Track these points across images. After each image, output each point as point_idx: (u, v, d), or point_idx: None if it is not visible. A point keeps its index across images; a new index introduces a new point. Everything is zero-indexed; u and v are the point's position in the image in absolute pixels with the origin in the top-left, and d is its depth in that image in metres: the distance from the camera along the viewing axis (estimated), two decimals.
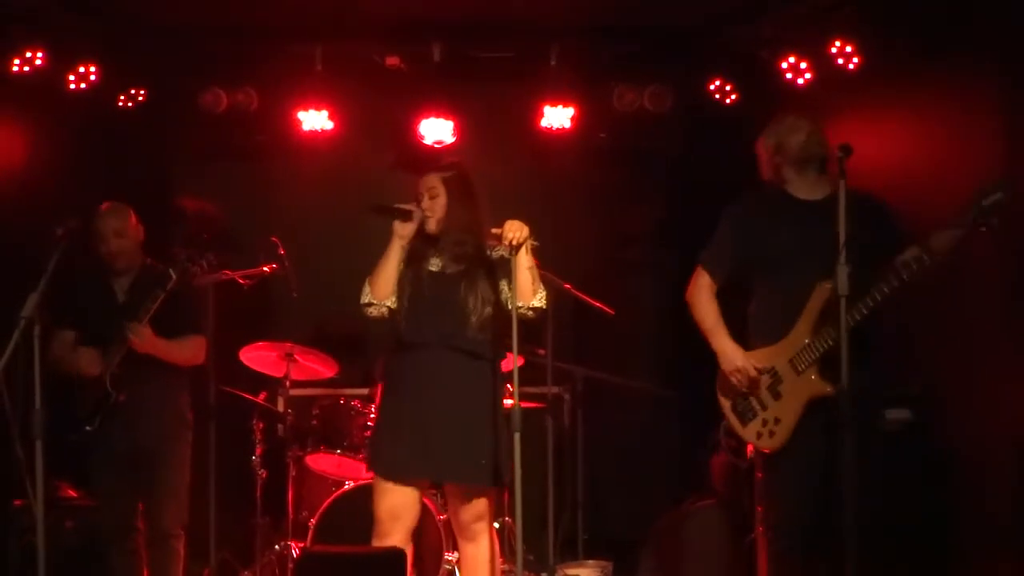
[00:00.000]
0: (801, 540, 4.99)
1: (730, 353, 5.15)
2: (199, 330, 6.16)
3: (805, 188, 5.13)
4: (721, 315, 5.24)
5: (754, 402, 5.12)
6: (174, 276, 5.76)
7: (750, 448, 6.11)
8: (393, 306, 5.34)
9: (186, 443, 6.12)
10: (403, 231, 5.33)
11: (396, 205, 5.35)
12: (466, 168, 5.51)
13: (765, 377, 5.08)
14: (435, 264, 5.35)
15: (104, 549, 6.03)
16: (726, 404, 5.24)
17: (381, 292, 5.33)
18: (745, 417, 5.16)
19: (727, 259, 5.26)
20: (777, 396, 5.07)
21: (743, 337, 5.20)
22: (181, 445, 6.08)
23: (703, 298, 5.28)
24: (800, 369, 4.99)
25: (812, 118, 5.18)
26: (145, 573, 6.02)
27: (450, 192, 5.35)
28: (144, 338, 5.82)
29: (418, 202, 5.36)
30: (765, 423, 5.09)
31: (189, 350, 6.11)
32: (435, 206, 5.34)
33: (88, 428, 5.91)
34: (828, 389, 4.85)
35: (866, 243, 4.88)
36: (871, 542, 4.87)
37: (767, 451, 5.12)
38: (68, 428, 5.93)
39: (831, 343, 4.83)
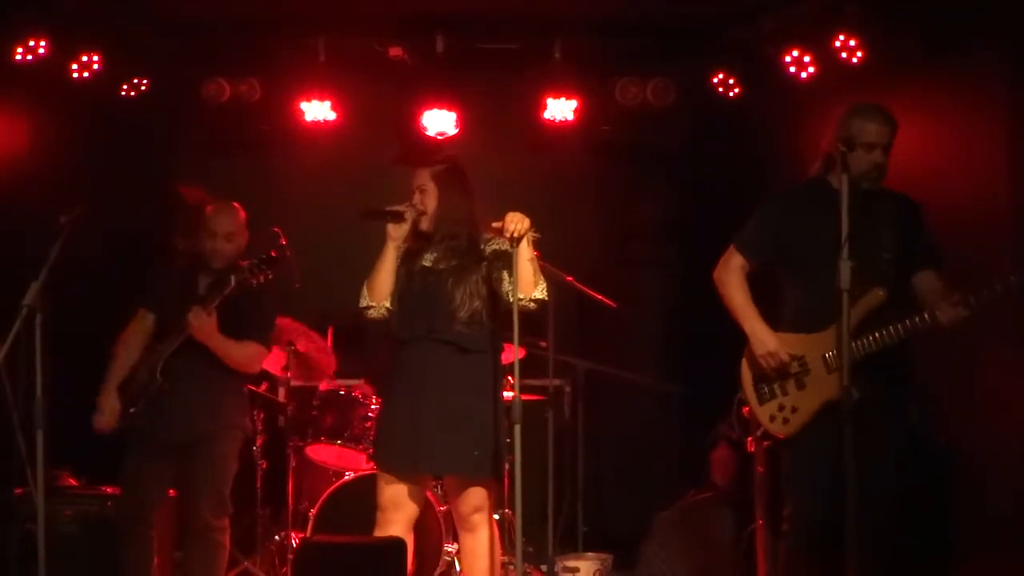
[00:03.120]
0: (817, 533, 4.99)
1: (763, 336, 5.10)
2: (262, 340, 6.07)
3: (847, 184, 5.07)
4: (751, 297, 5.21)
5: (776, 385, 5.10)
6: (232, 283, 5.74)
7: (750, 442, 6.13)
8: (392, 307, 5.35)
9: (231, 440, 6.02)
10: (396, 233, 5.33)
11: (386, 208, 5.34)
12: (460, 163, 5.50)
13: (794, 363, 5.05)
14: (428, 260, 5.36)
15: (116, 537, 6.03)
16: (748, 377, 5.19)
17: (378, 294, 5.34)
18: (764, 396, 5.13)
19: (763, 243, 5.22)
20: (801, 386, 5.04)
21: (772, 320, 5.18)
22: (222, 442, 5.98)
23: (734, 278, 5.22)
24: (831, 368, 4.97)
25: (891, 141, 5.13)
26: (156, 561, 6.03)
27: (440, 187, 5.34)
28: (203, 324, 5.75)
29: (411, 199, 5.36)
30: (781, 408, 5.07)
31: (245, 354, 5.99)
32: (425, 201, 5.34)
33: (132, 410, 5.91)
34: (855, 394, 4.79)
35: (902, 244, 4.94)
36: (882, 541, 4.88)
37: (780, 436, 5.09)
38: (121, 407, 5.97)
39: (869, 351, 4.83)
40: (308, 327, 7.20)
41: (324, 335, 7.44)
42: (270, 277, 5.79)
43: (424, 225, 5.34)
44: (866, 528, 4.64)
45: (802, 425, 5.03)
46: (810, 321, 5.06)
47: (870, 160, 4.97)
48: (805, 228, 5.11)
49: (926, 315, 4.85)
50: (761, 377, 5.15)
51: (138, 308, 6.14)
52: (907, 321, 4.87)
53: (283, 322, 6.81)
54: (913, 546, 5.55)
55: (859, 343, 4.87)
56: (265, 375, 7.28)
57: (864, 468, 4.60)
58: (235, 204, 6.13)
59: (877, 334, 4.87)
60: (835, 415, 4.82)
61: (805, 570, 5.06)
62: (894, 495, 4.98)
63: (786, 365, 5.04)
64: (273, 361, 7.05)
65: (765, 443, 5.76)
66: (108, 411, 5.94)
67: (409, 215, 5.32)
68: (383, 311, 5.35)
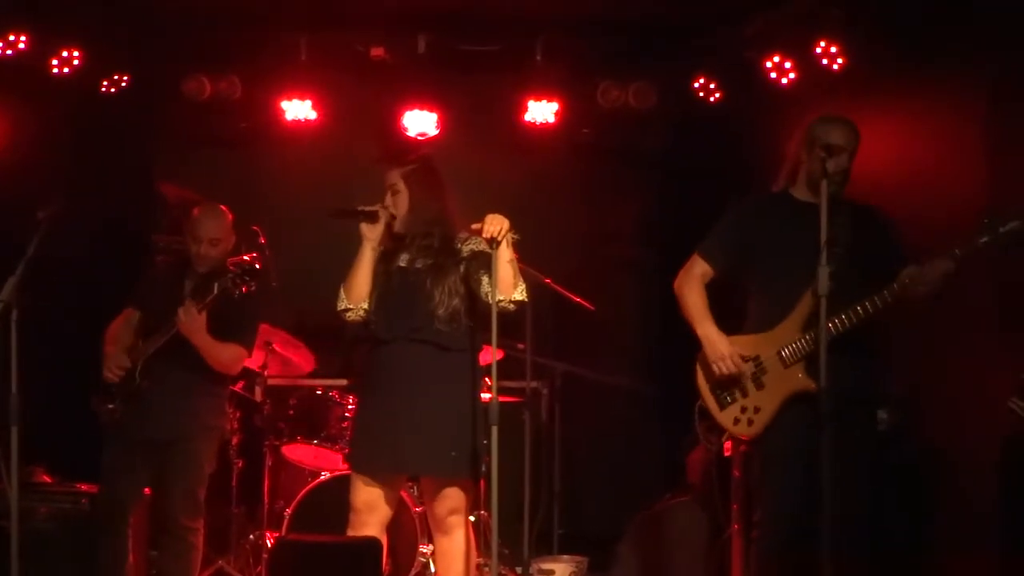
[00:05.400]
0: (788, 538, 5.01)
1: (715, 341, 5.14)
2: (244, 343, 6.05)
3: (810, 193, 5.11)
4: (708, 304, 5.23)
5: (735, 388, 5.13)
6: (215, 290, 5.73)
7: (728, 446, 6.14)
8: (369, 308, 5.34)
9: (207, 441, 6.03)
10: (370, 233, 5.32)
11: (359, 208, 5.33)
12: (432, 162, 5.49)
13: (749, 365, 5.08)
14: (404, 260, 5.35)
15: (92, 534, 6.04)
16: (705, 385, 5.23)
17: (355, 296, 5.33)
18: (723, 401, 5.17)
19: (726, 249, 5.25)
20: (760, 386, 5.08)
21: (739, 331, 5.20)
22: (199, 443, 5.99)
23: (693, 286, 5.26)
24: (788, 363, 5.01)
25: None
26: (131, 559, 6.02)
27: (411, 187, 5.33)
28: (192, 320, 5.74)
29: (383, 200, 5.36)
30: (744, 410, 5.10)
31: (227, 356, 5.98)
32: (397, 202, 5.33)
33: (110, 407, 5.91)
34: (812, 386, 4.87)
35: (864, 253, 4.93)
36: (855, 542, 4.89)
37: (745, 437, 5.14)
38: (97, 404, 5.96)
39: (833, 335, 4.83)
40: (286, 332, 7.19)
41: (302, 335, 7.42)
42: (253, 288, 5.76)
43: (396, 226, 5.34)
44: (837, 532, 4.65)
45: (766, 424, 5.06)
46: (763, 321, 5.11)
47: (836, 164, 4.98)
48: (767, 236, 5.16)
49: (895, 285, 4.84)
50: (718, 382, 5.17)
51: (126, 306, 6.15)
52: (873, 298, 4.88)
53: (262, 327, 6.80)
54: (889, 547, 5.59)
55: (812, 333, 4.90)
56: (242, 372, 7.25)
57: (834, 472, 4.62)
58: (222, 207, 6.10)
59: (838, 318, 4.88)
60: (801, 416, 4.87)
61: (776, 574, 5.08)
62: (864, 498, 5.01)
63: (740, 370, 5.08)
64: (252, 358, 7.03)
65: (742, 447, 5.77)
66: (115, 361, 5.93)
67: (382, 215, 5.31)
68: (361, 313, 5.34)
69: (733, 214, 5.34)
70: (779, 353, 5.04)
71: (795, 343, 5.01)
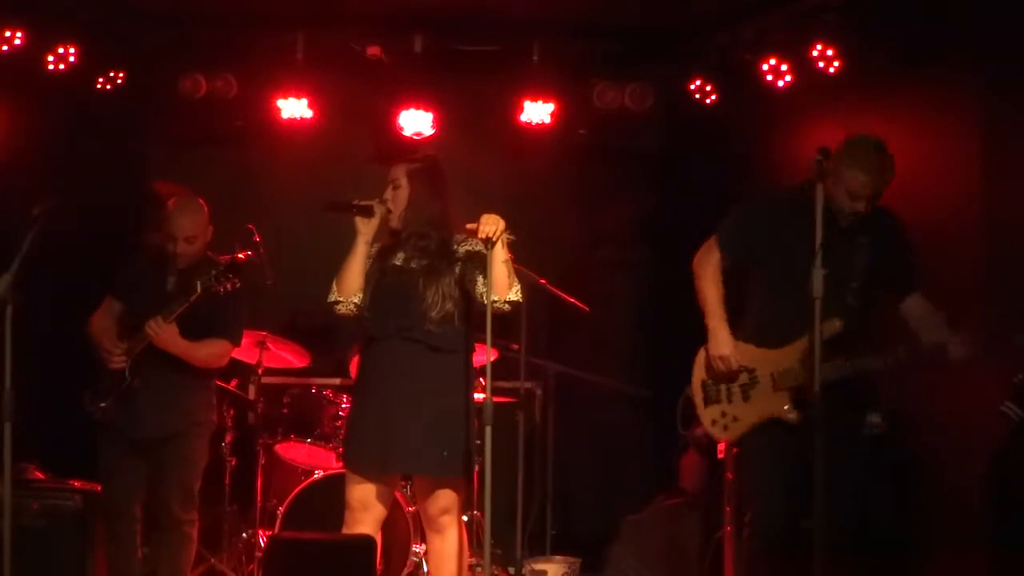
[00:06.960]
0: (777, 538, 5.01)
1: (722, 338, 5.14)
2: (226, 335, 6.06)
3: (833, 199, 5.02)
4: (723, 298, 5.22)
5: (723, 391, 5.14)
6: (199, 289, 5.72)
7: (721, 448, 6.16)
8: (360, 303, 5.34)
9: (199, 437, 6.06)
10: (365, 228, 5.31)
11: (354, 201, 5.32)
12: (438, 162, 5.48)
13: (744, 374, 5.08)
14: (399, 258, 5.35)
15: (100, 534, 6.11)
16: (698, 377, 5.25)
17: (346, 289, 5.33)
18: (709, 398, 5.18)
19: (743, 246, 5.24)
20: (746, 398, 5.10)
21: (736, 322, 5.20)
22: (192, 440, 6.02)
23: (710, 272, 5.25)
24: (778, 387, 5.01)
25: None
26: (140, 555, 6.06)
27: (414, 185, 5.33)
28: (160, 334, 5.77)
29: (383, 194, 5.35)
30: (724, 415, 5.14)
31: (211, 352, 6.01)
32: (397, 198, 5.33)
33: (102, 405, 5.93)
34: (792, 416, 4.94)
35: (875, 268, 4.94)
36: (846, 545, 4.90)
37: (718, 440, 5.18)
38: (88, 402, 5.98)
39: (841, 374, 4.85)
40: (279, 336, 7.20)
41: (296, 333, 7.42)
42: (237, 285, 5.76)
43: (393, 222, 5.33)
44: (827, 533, 4.66)
45: (741, 435, 5.10)
46: (769, 335, 5.09)
47: (851, 206, 4.97)
48: (781, 239, 5.12)
49: (898, 354, 4.88)
50: (712, 376, 5.17)
51: (105, 296, 6.16)
52: (867, 359, 4.92)
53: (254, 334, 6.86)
54: (881, 547, 5.59)
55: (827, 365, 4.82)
56: (236, 371, 7.26)
57: (824, 473, 4.63)
58: (199, 200, 6.09)
59: (855, 359, 4.91)
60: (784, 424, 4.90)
61: (765, 574, 5.09)
62: (854, 499, 5.01)
63: (735, 373, 5.08)
64: (247, 353, 7.05)
65: (735, 449, 5.78)
66: (117, 351, 5.92)
67: (378, 210, 5.30)
68: (351, 307, 5.34)
69: (755, 208, 5.31)
70: (773, 374, 5.04)
71: (790, 371, 5.00)
